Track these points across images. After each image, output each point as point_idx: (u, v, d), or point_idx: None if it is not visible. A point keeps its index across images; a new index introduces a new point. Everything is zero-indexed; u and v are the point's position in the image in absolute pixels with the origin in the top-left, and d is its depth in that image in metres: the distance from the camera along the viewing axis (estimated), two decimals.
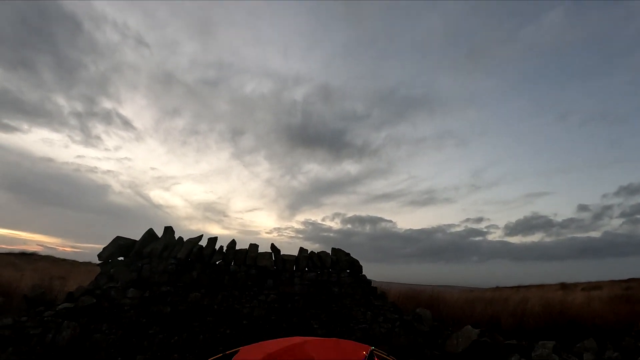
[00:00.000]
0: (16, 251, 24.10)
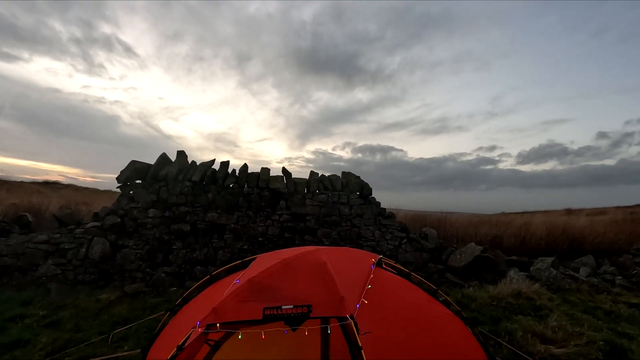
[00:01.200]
0: (39, 180, 25.19)
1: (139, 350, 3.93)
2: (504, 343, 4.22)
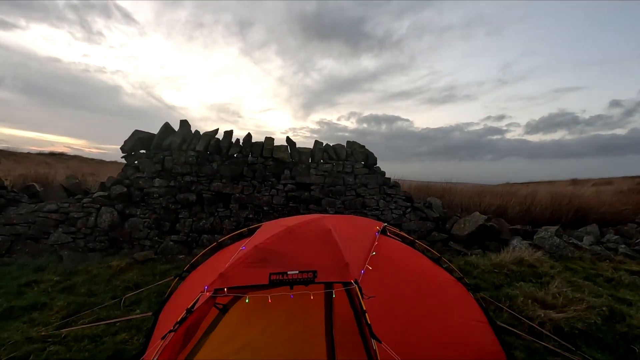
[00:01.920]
0: (46, 152, 25.34)
1: (150, 313, 4.08)
2: (505, 308, 4.32)
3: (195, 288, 2.68)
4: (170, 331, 2.19)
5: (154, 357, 2.07)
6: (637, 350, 3.55)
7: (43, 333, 3.66)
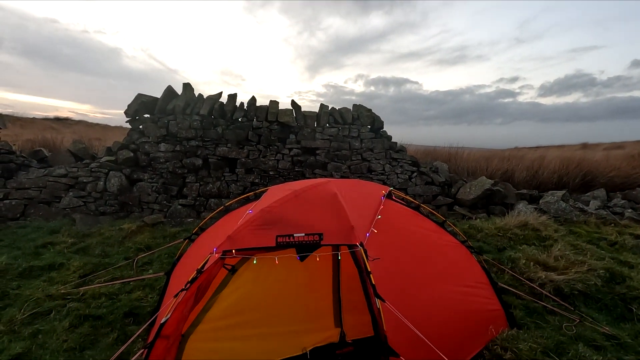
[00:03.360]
0: (51, 117, 25.28)
1: (162, 273, 4.24)
2: (507, 269, 4.41)
3: (204, 250, 2.76)
4: (182, 290, 2.28)
5: (168, 313, 2.17)
6: (635, 310, 3.65)
7: (62, 291, 3.85)
